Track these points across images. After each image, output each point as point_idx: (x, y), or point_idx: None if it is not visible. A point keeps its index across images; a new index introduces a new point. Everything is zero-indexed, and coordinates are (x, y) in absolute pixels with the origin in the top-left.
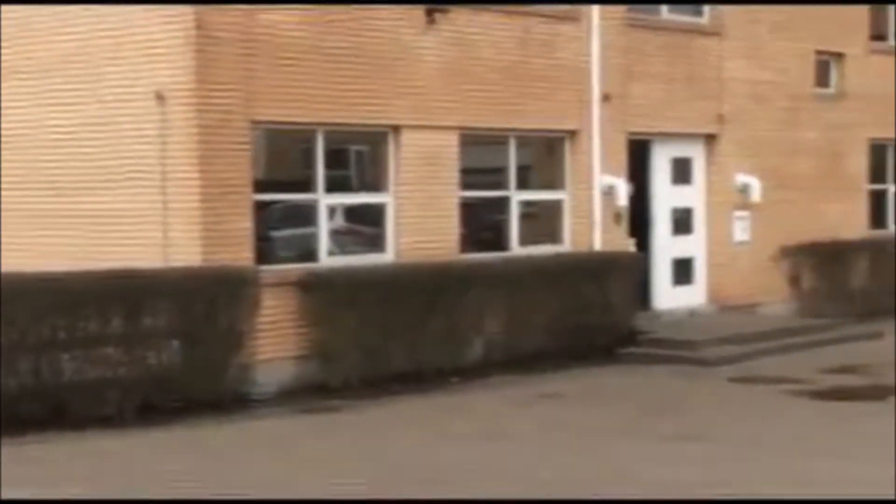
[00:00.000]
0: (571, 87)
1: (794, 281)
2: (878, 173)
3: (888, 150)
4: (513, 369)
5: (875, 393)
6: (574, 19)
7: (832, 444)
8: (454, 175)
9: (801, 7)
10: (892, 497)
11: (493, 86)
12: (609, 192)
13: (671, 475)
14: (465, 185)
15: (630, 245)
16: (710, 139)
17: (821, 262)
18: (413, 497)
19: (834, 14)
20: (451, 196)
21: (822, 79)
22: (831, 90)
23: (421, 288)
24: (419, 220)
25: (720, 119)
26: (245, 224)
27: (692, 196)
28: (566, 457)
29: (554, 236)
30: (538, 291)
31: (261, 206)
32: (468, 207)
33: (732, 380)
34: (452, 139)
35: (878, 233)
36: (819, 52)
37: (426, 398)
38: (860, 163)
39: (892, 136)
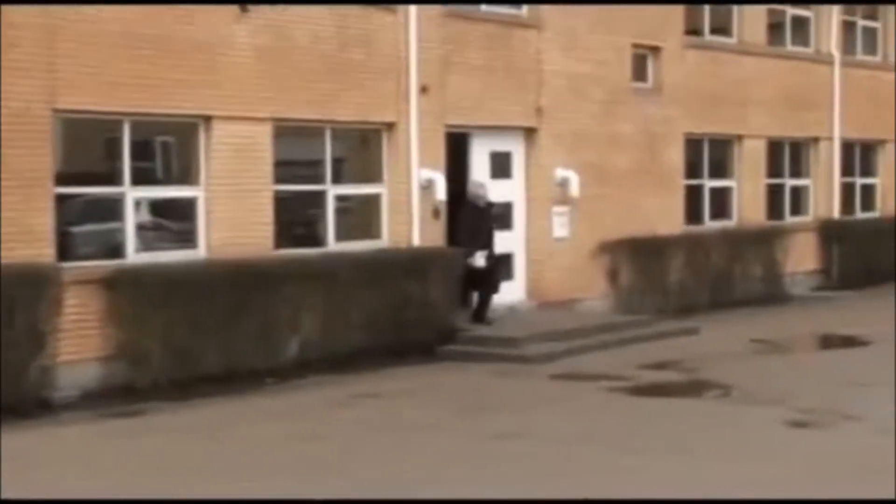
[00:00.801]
0: (389, 78)
1: (613, 276)
2: (693, 168)
3: (703, 144)
4: (330, 369)
5: (691, 389)
6: (392, 9)
7: (653, 440)
8: (268, 168)
9: None
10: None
11: (308, 76)
12: (428, 187)
13: (490, 473)
14: (280, 179)
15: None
16: (529, 133)
17: (638, 257)
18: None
19: (650, 8)
20: (265, 190)
21: (640, 72)
22: (648, 84)
23: (234, 285)
24: (232, 214)
25: (539, 112)
26: (46, 219)
27: (512, 191)
28: (382, 456)
29: (372, 231)
30: (356, 288)
31: (63, 200)
32: (283, 201)
33: (554, 377)
34: (266, 130)
35: (694, 228)
36: (636, 46)
37: (239, 400)
38: (676, 157)
39: (708, 130)
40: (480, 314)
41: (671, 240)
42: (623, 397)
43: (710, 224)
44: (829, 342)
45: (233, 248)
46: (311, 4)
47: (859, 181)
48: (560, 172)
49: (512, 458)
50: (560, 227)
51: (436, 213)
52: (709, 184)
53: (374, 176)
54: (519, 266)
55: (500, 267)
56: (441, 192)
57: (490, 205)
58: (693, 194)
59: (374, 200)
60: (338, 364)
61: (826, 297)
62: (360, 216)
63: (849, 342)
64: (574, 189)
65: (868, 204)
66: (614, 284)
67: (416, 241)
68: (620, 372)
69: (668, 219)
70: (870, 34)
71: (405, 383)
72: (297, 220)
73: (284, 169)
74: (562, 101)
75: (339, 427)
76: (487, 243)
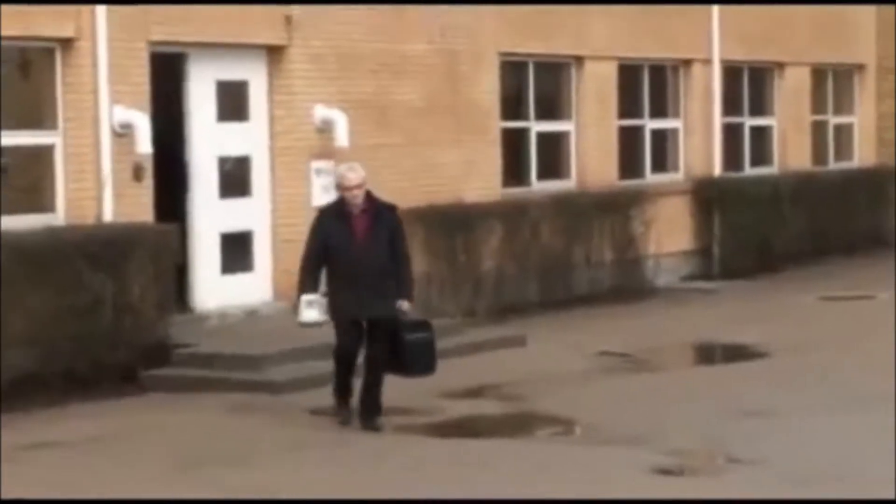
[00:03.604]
0: None
1: None
2: (514, 105)
3: (528, 70)
4: None
5: (518, 425)
6: None
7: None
8: None
9: None
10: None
11: None
12: (125, 134)
13: None
14: None
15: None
16: (273, 53)
17: (436, 235)
18: None
19: None
20: None
21: None
22: None
23: None
24: None
25: (288, 23)
26: None
27: (249, 139)
28: None
29: (40, 202)
30: (16, 287)
31: None
32: None
33: (315, 412)
34: None
35: (517, 192)
36: None
37: None
38: (489, 89)
39: (534, 49)
40: (365, 411)
41: (484, 209)
42: (420, 440)
43: (538, 186)
44: (708, 354)
45: None
46: None
47: (749, 122)
48: (321, 112)
49: None
50: (322, 191)
51: (138, 174)
52: (536, 128)
53: (41, 119)
54: (262, 250)
55: (419, 336)
56: (145, 142)
57: (379, 207)
58: (514, 143)
59: (43, 156)
60: None
61: (704, 290)
62: (21, 179)
63: (736, 354)
64: (342, 136)
65: (761, 155)
66: None
67: (109, 214)
68: (415, 402)
69: (478, 179)
70: None
71: (96, 426)
72: None
73: None
74: (321, 5)
75: None
76: (354, 279)
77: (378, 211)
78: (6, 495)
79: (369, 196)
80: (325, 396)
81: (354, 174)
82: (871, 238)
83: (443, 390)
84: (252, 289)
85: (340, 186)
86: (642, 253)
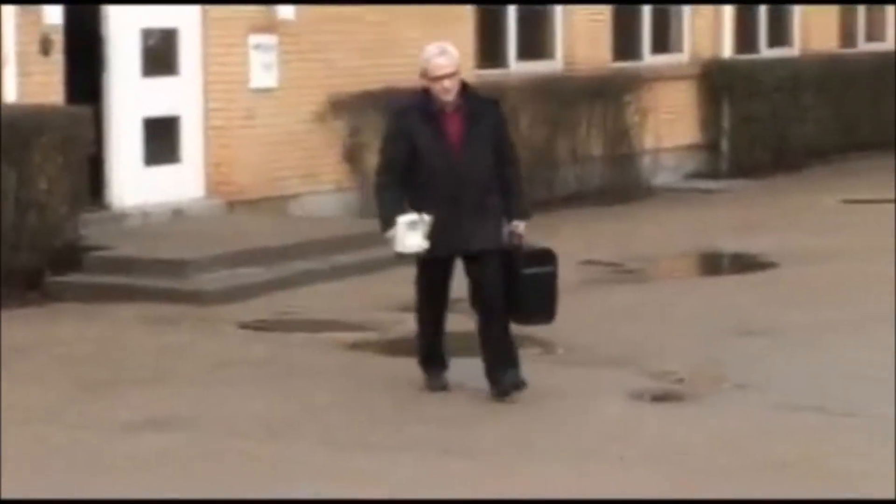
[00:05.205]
0: None
1: (354, 155)
2: None
3: None
4: None
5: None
6: None
7: (397, 430)
8: None
9: None
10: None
11: None
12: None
13: (122, 484)
14: None
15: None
16: None
17: None
18: None
19: None
20: None
21: None
22: None
23: None
24: None
25: None
26: None
27: (177, 7)
28: None
29: None
30: None
31: None
32: None
33: (245, 326)
34: None
35: (492, 74)
36: None
37: None
38: None
39: None
40: (500, 369)
41: None
42: (367, 359)
43: (517, 68)
44: (710, 264)
45: None
46: None
47: None
48: None
49: (159, 459)
50: (263, 70)
51: (45, 47)
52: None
53: None
54: (191, 138)
55: (540, 270)
56: (54, 11)
57: (477, 102)
58: (489, 20)
59: None
60: None
61: (709, 190)
62: None
63: (742, 264)
64: (286, 7)
65: (779, 36)
66: (357, 169)
67: (11, 95)
68: (363, 317)
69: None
70: None
71: None
72: None
73: None
74: None
75: None
76: (450, 200)
77: (476, 107)
78: None
79: (464, 88)
80: (258, 309)
81: (446, 59)
82: None
83: (396, 303)
84: (179, 184)
85: (427, 75)
86: (638, 147)
